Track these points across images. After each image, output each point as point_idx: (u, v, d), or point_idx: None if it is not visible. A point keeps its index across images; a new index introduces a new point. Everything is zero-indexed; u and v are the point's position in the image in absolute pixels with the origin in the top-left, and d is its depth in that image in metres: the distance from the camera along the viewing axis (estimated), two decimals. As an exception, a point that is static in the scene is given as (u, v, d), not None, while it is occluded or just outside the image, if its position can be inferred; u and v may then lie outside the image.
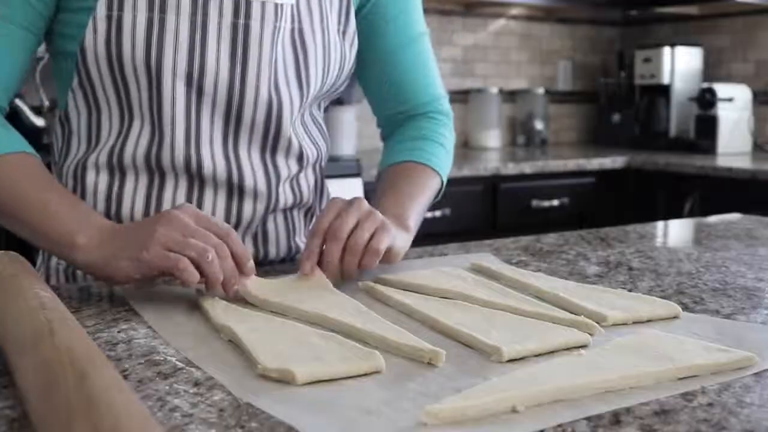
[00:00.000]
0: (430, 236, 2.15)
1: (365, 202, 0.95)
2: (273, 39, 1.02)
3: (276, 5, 1.01)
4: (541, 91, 3.68)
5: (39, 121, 2.53)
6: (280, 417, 0.57)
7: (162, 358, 0.70)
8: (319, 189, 1.20)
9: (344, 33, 1.10)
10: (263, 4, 1.00)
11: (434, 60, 1.23)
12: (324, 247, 0.92)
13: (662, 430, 0.55)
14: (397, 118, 1.22)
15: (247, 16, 1.00)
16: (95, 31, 0.96)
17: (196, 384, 0.64)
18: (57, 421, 0.49)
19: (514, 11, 3.69)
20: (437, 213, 2.67)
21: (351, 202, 0.94)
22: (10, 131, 0.98)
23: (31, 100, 2.58)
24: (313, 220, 1.17)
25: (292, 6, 1.04)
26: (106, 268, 0.86)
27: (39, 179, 0.95)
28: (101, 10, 0.96)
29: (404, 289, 0.91)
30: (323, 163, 1.19)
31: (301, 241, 1.16)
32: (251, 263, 0.87)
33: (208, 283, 0.84)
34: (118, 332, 0.77)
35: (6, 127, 0.98)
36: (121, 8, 0.96)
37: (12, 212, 0.94)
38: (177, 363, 0.68)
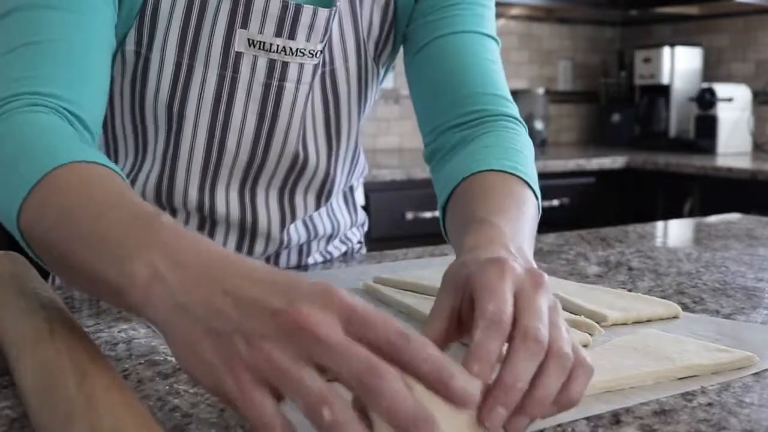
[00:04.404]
0: (430, 236, 2.15)
1: (558, 305, 0.56)
2: (306, 99, 0.95)
3: (314, 66, 0.93)
4: (541, 91, 3.68)
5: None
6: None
7: (162, 358, 0.70)
8: (351, 210, 1.15)
9: (379, 57, 1.01)
10: (301, 66, 0.92)
11: (502, 70, 0.97)
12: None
13: (662, 430, 0.56)
14: (454, 127, 0.93)
15: (282, 78, 0.92)
16: (124, 62, 0.91)
17: (196, 384, 0.64)
18: (57, 421, 0.49)
19: (514, 11, 3.69)
20: (437, 213, 2.66)
21: (536, 299, 0.54)
22: (85, 144, 0.73)
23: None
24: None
25: (324, 50, 0.94)
26: (173, 345, 0.49)
27: (94, 190, 0.62)
28: (130, 44, 0.89)
29: (404, 289, 0.91)
30: (356, 184, 1.14)
31: (312, 258, 1.11)
32: (458, 384, 0.45)
33: None
34: (118, 332, 0.77)
35: (84, 142, 0.74)
36: (150, 47, 0.90)
37: (57, 250, 0.60)
38: (177, 363, 0.68)
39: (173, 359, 0.69)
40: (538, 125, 3.67)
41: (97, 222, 0.57)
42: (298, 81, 0.93)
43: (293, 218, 1.03)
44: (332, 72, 0.97)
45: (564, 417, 0.57)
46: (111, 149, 1.01)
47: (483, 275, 0.55)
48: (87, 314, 0.84)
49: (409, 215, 2.62)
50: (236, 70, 0.91)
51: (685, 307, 0.86)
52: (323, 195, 1.04)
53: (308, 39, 0.91)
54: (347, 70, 0.98)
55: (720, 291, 0.95)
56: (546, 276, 0.57)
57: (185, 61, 0.90)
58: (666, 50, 3.47)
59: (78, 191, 0.62)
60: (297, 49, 0.91)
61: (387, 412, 0.43)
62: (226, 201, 0.98)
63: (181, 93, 0.91)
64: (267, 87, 0.93)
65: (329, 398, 0.44)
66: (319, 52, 0.93)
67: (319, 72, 0.95)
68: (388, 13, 0.99)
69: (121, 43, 0.90)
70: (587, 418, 0.57)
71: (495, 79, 0.94)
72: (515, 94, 3.70)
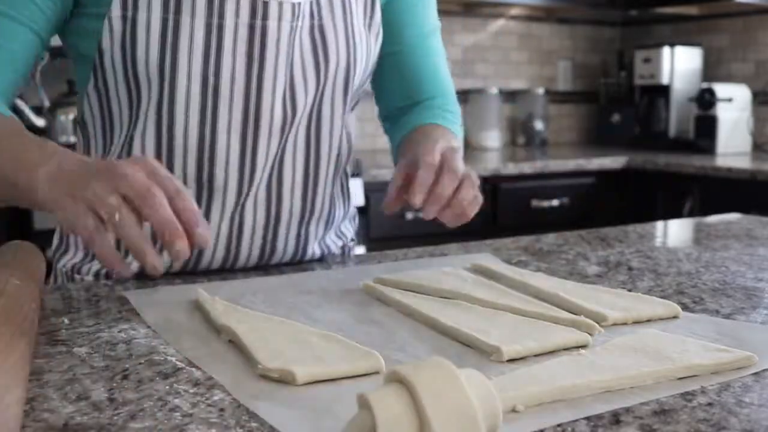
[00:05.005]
0: (430, 236, 2.15)
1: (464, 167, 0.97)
2: (290, 39, 1.00)
3: (293, 4, 0.99)
4: (541, 91, 3.68)
5: (39, 121, 2.54)
6: (279, 419, 0.57)
7: (162, 358, 0.70)
8: (345, 199, 1.17)
9: (370, 26, 1.08)
10: (281, 5, 0.98)
11: (445, 56, 1.23)
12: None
13: (662, 430, 0.56)
14: (404, 110, 1.21)
15: (265, 17, 0.98)
16: (111, 30, 0.94)
17: (196, 384, 0.64)
18: None
19: (514, 11, 3.69)
20: (437, 213, 2.66)
21: (457, 156, 0.97)
22: None
23: (31, 100, 2.58)
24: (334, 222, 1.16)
25: (311, 2, 1.01)
26: (60, 213, 0.77)
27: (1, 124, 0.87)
28: (116, 9, 0.94)
29: (404, 289, 0.91)
30: (346, 168, 1.16)
31: (311, 248, 1.12)
32: (202, 231, 0.75)
33: (131, 252, 0.74)
34: (118, 332, 0.77)
35: None
36: (135, 8, 0.94)
37: None
38: (177, 363, 0.69)
39: (173, 359, 0.69)
40: (538, 125, 3.67)
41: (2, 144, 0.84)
42: (279, 19, 0.99)
43: (280, 185, 1.05)
44: (321, 27, 1.03)
45: (564, 417, 0.57)
46: (107, 124, 1.02)
47: (424, 146, 0.99)
48: (87, 314, 0.84)
49: (409, 215, 2.62)
50: (221, 15, 0.97)
51: (685, 307, 0.86)
52: (310, 159, 1.07)
53: None
54: (335, 27, 1.04)
55: (720, 291, 0.95)
56: (461, 149, 1.06)
57: (171, 15, 0.95)
58: (666, 50, 3.47)
59: None
60: None
61: (153, 220, 0.72)
62: (226, 165, 1.00)
63: (171, 47, 0.95)
64: (252, 28, 0.98)
65: (121, 209, 0.72)
66: None
67: (307, 23, 1.01)
68: None
69: (105, 13, 0.94)
70: (587, 418, 0.57)
71: (439, 80, 1.22)
72: (515, 94, 3.73)
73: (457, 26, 3.53)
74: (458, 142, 1.13)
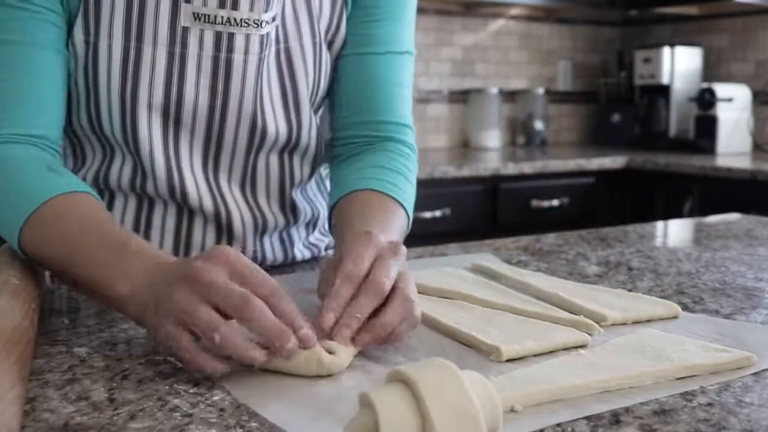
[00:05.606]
0: (430, 236, 2.15)
1: (408, 273, 0.74)
2: (258, 71, 0.96)
3: (261, 36, 0.95)
4: (541, 91, 3.68)
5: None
6: (279, 419, 0.57)
7: (162, 358, 0.70)
8: (325, 197, 1.16)
9: (331, 43, 1.03)
10: (248, 37, 0.94)
11: (410, 87, 1.09)
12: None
13: (662, 430, 0.56)
14: (358, 140, 1.06)
15: (230, 49, 0.94)
16: (75, 55, 0.92)
17: (196, 384, 0.64)
18: None
19: (514, 11, 3.69)
20: (437, 213, 2.66)
21: (388, 261, 0.72)
22: (58, 175, 0.86)
23: None
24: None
25: (276, 26, 0.97)
26: (150, 333, 0.69)
27: (82, 221, 0.80)
28: (78, 33, 0.91)
29: (404, 289, 0.91)
30: (320, 170, 1.15)
31: (299, 250, 1.13)
32: (305, 331, 0.65)
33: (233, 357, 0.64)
34: (118, 332, 0.77)
35: (54, 171, 0.87)
36: (97, 34, 0.91)
37: (57, 266, 0.80)
38: (177, 363, 0.68)
39: (173, 359, 0.69)
40: (538, 125, 3.67)
41: (82, 244, 0.77)
42: (246, 52, 0.95)
43: (255, 197, 1.04)
44: (287, 50, 0.99)
45: (564, 417, 0.57)
46: (77, 148, 1.01)
47: (353, 244, 0.73)
48: (87, 314, 0.84)
49: (409, 215, 2.62)
50: (184, 45, 0.93)
51: (685, 307, 0.86)
52: (284, 180, 1.05)
53: (252, 9, 0.94)
54: (302, 47, 1.00)
55: (720, 291, 0.95)
56: (404, 248, 0.75)
57: (133, 43, 0.92)
58: (666, 50, 3.47)
59: (63, 219, 0.80)
60: (241, 19, 0.94)
61: (257, 330, 0.63)
62: (195, 185, 0.99)
63: (132, 76, 0.92)
64: (216, 60, 0.94)
65: (218, 325, 0.62)
66: (264, 23, 0.95)
67: (273, 48, 0.98)
68: (337, 3, 1.02)
69: (69, 35, 0.92)
70: (587, 418, 0.57)
71: (399, 105, 1.07)
72: (515, 93, 3.73)
73: (457, 26, 3.53)
74: (400, 231, 0.94)
